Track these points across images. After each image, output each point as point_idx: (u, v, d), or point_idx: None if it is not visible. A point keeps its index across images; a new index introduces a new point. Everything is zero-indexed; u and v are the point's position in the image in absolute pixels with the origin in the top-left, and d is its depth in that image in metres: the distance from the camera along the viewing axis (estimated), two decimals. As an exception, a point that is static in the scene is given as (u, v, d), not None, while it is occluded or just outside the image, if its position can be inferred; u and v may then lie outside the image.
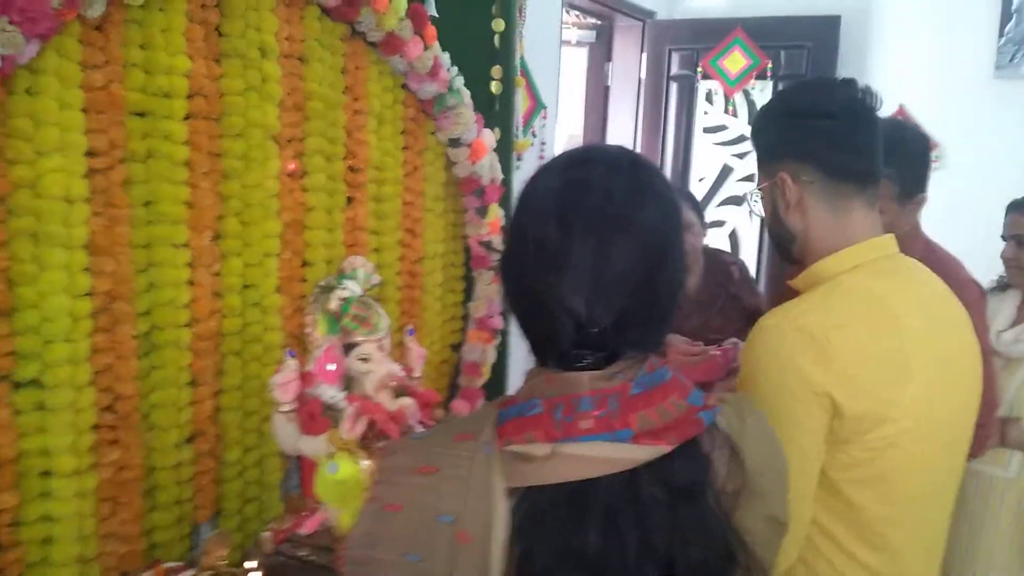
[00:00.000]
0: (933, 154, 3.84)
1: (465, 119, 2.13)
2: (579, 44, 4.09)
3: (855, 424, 1.09)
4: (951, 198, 3.84)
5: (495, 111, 2.41)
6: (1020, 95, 3.64)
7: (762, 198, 1.29)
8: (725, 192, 4.03)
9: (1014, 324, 2.13)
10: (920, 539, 1.20)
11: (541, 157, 3.10)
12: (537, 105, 3.02)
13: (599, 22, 4.00)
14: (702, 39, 3.86)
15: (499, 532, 0.74)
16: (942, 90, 3.65)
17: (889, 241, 1.22)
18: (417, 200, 2.13)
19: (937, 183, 3.84)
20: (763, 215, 1.31)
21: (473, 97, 2.22)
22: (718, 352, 2.07)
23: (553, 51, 3.17)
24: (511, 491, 0.75)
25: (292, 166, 1.75)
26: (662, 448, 0.75)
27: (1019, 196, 2.25)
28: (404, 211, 2.10)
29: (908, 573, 1.20)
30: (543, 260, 0.79)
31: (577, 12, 3.82)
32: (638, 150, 4.15)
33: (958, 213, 3.76)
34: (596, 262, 0.77)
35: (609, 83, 4.11)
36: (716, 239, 3.95)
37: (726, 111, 3.94)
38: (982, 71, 3.67)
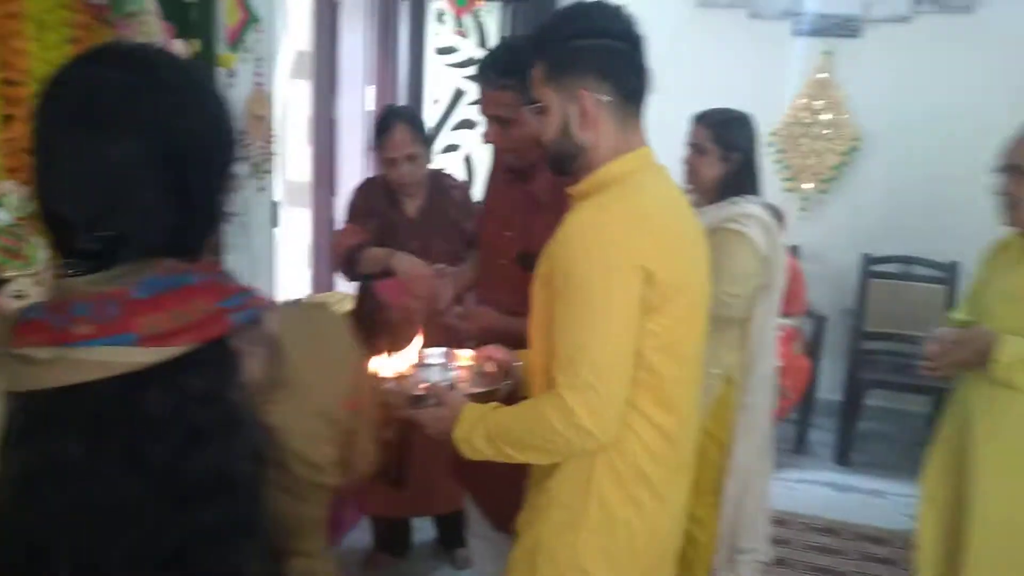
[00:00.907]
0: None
1: (150, 28, 1.94)
2: (304, -45, 3.86)
3: (664, 292, 1.26)
4: (660, 119, 4.15)
5: (192, 21, 2.22)
6: (717, 24, 3.98)
7: (543, 112, 1.35)
8: (459, 115, 4.07)
9: None
10: (693, 398, 1.42)
11: (258, 74, 2.93)
12: (250, 17, 2.82)
13: (323, -68, 3.79)
14: (430, -44, 3.80)
15: None
16: (650, 19, 3.87)
17: (650, 150, 1.39)
18: (97, 118, 1.92)
19: (648, 105, 4.17)
20: (542, 132, 1.37)
21: (165, 4, 2.02)
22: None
23: (265, -41, 2.96)
24: (14, 395, 0.73)
25: (-79, 76, 1.50)
26: (171, 350, 0.73)
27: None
28: (82, 130, 1.89)
29: (688, 430, 1.42)
30: (38, 161, 0.76)
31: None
32: (372, 70, 4.06)
33: (664, 133, 4.08)
34: (87, 165, 0.74)
35: (338, -1, 3.94)
36: (451, 163, 3.99)
37: (456, 32, 3.94)
38: (685, 1, 3.96)
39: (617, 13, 1.34)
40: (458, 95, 4.03)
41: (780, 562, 3.01)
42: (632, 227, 1.26)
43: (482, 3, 3.83)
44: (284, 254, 4.34)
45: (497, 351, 1.56)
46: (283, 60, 4.24)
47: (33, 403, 0.72)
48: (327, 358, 0.90)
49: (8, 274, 1.39)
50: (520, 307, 1.49)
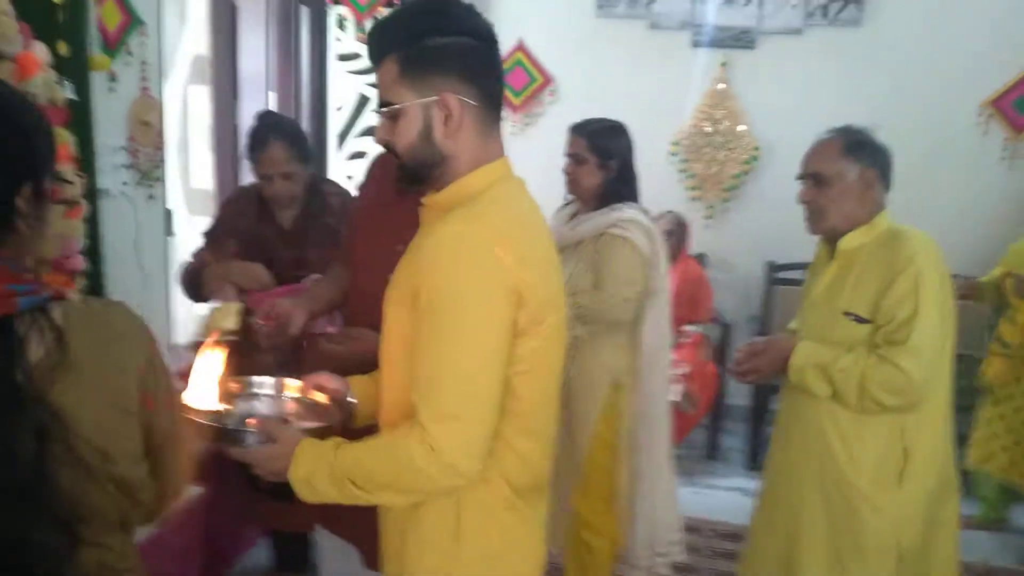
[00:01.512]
0: (548, 89, 4.17)
1: (4, 28, 1.85)
2: (199, -42, 3.76)
3: (534, 313, 1.16)
4: (562, 128, 4.18)
5: (59, 23, 2.13)
6: (618, 34, 4.02)
7: (395, 117, 1.18)
8: (364, 122, 4.02)
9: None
10: (553, 419, 1.32)
11: (144, 79, 2.83)
12: (132, 20, 2.73)
13: (220, -65, 3.71)
14: (330, -39, 3.75)
15: None
16: (554, 28, 3.93)
17: (508, 161, 1.27)
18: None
19: (554, 114, 4.19)
20: (394, 139, 1.20)
21: (26, 5, 1.93)
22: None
23: (149, -39, 2.87)
24: None
25: None
26: None
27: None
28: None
29: (547, 451, 1.31)
30: None
31: (193, -79, 3.50)
32: (273, 76, 3.98)
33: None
34: None
35: (236, 2, 3.86)
36: (357, 171, 3.94)
37: (358, 38, 3.89)
38: (586, 11, 4.00)
39: (474, 11, 1.21)
40: (363, 101, 3.98)
41: (687, 569, 2.98)
42: (503, 244, 1.13)
43: (383, 9, 3.80)
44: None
45: (329, 380, 1.41)
46: (180, 65, 4.13)
47: None
48: (116, 351, 0.94)
49: None
50: None
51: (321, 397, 1.41)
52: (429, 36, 1.17)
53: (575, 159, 2.40)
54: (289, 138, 2.32)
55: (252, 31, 3.91)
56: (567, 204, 2.53)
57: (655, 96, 4.00)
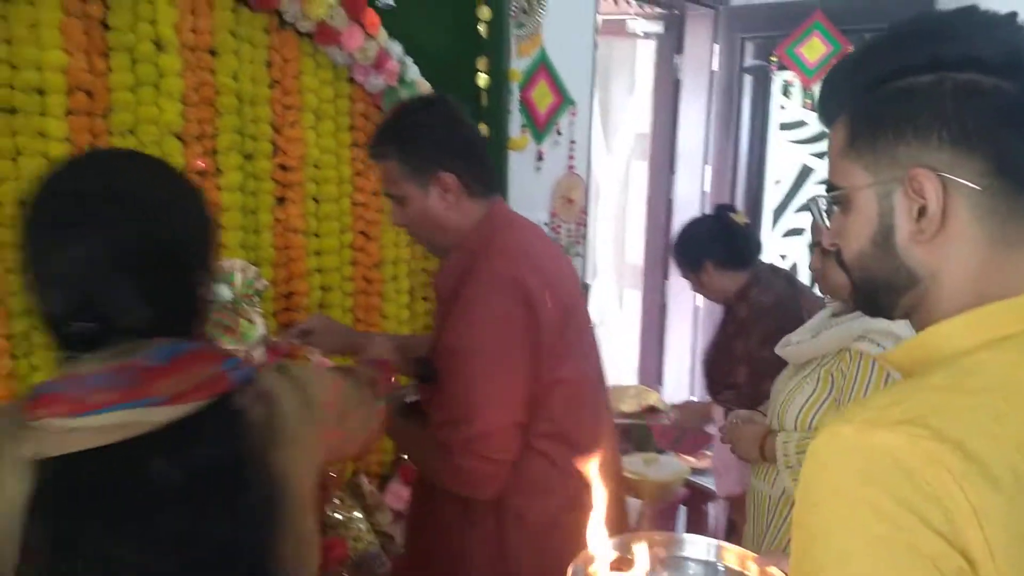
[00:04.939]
0: None
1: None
2: (646, 36, 3.82)
3: None
4: None
5: (483, 107, 2.25)
6: None
7: (848, 210, 0.77)
8: (804, 196, 3.64)
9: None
10: None
11: (571, 157, 2.90)
12: (564, 101, 2.81)
13: (668, 12, 3.72)
14: (778, 25, 3.49)
15: (10, 502, 0.78)
16: None
17: None
18: (371, 201, 2.01)
19: None
20: (842, 240, 0.80)
21: (456, 91, 2.07)
22: None
23: (586, 41, 2.94)
24: (36, 463, 0.79)
25: (200, 163, 1.67)
26: (186, 407, 0.81)
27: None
28: (355, 212, 1.98)
29: None
30: (26, 256, 0.85)
31: (643, 2, 3.57)
32: (710, 149, 3.83)
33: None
34: (54, 266, 0.83)
35: (680, 77, 3.82)
36: (792, 249, 3.57)
37: (804, 105, 3.54)
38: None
39: (1003, 27, 0.71)
40: (804, 173, 3.61)
41: None
42: (958, 479, 0.60)
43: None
44: (612, 339, 4.25)
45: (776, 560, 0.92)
46: (623, 141, 4.24)
47: (53, 470, 0.79)
48: (313, 413, 0.95)
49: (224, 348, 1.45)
50: None
51: None
52: (896, 76, 0.73)
53: (821, 249, 1.67)
54: (677, 247, 2.51)
55: (693, 105, 3.83)
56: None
57: None
